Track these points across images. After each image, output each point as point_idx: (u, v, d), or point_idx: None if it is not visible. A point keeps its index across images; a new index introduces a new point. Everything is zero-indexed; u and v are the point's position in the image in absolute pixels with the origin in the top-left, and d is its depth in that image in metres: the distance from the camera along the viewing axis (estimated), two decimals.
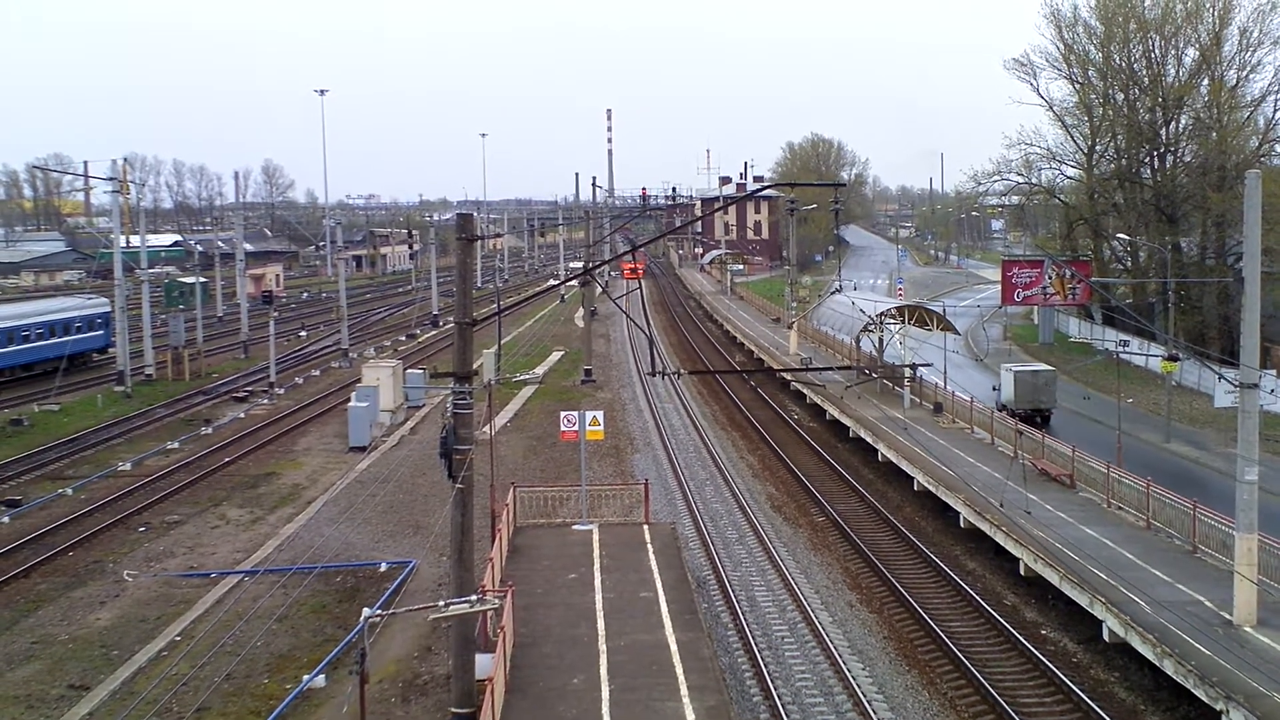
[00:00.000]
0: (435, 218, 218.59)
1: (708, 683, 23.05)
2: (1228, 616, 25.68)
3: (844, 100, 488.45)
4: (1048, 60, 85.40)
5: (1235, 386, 26.25)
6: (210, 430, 57.25)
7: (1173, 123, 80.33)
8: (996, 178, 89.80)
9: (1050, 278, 79.40)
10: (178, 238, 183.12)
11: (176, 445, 53.40)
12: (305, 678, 26.40)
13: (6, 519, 40.96)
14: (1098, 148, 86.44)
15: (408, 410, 61.18)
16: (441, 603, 19.13)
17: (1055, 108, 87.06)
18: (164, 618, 31.29)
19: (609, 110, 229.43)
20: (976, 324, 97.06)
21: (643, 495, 35.96)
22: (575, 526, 34.45)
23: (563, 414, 35.96)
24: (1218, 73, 76.94)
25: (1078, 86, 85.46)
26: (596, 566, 30.68)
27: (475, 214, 30.28)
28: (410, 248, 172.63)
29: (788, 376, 65.74)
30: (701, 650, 24.79)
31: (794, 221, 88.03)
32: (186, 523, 40.96)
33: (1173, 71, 79.77)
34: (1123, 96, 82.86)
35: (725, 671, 25.95)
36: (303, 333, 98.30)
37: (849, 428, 52.83)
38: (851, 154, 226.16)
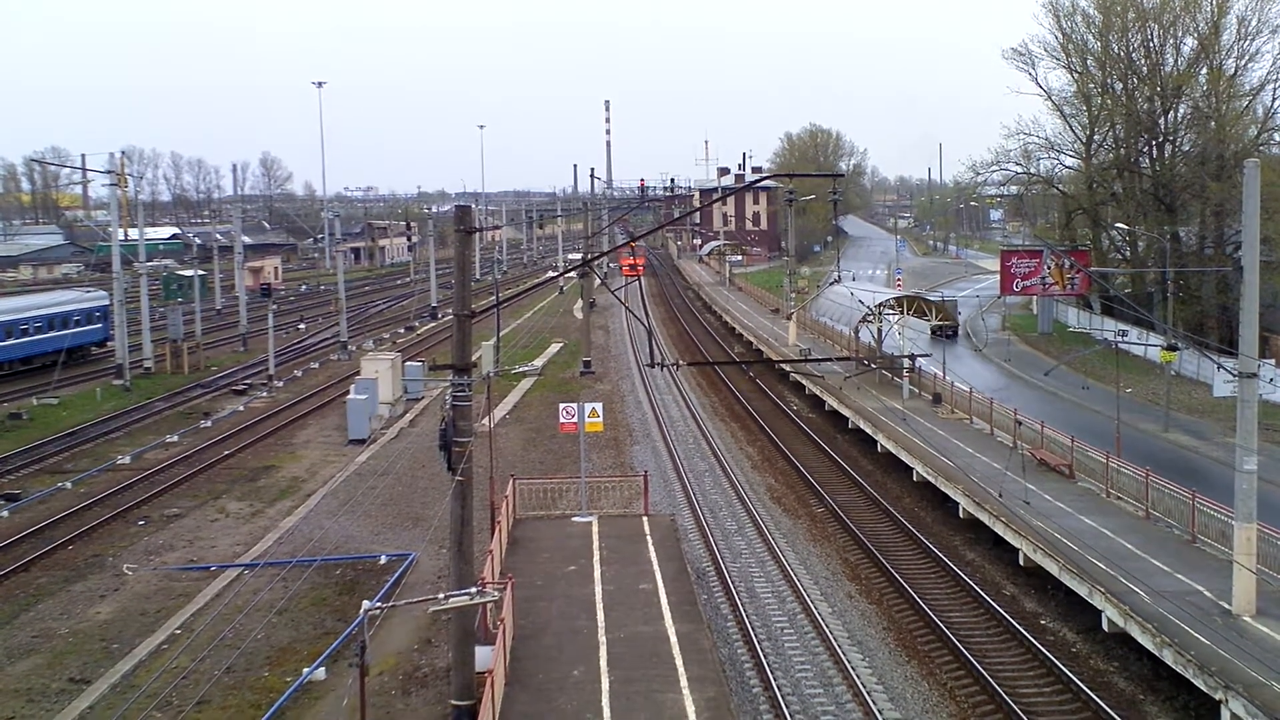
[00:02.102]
0: (434, 209, 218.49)
1: (707, 674, 23.08)
2: (1227, 606, 25.70)
3: (842, 91, 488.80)
4: (1046, 50, 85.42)
5: (1234, 376, 26.23)
6: (209, 423, 57.24)
7: (1171, 112, 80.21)
8: (995, 168, 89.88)
9: (1049, 267, 79.38)
10: (176, 231, 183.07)
11: (176, 438, 53.41)
12: (305, 670, 26.41)
13: (6, 513, 40.95)
14: (1096, 137, 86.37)
15: (407, 403, 61.17)
16: (441, 595, 19.14)
17: (1054, 97, 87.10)
18: (164, 611, 31.30)
19: (607, 102, 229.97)
20: (975, 314, 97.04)
21: (642, 487, 35.99)
22: (575, 518, 34.47)
23: (562, 406, 35.99)
24: (1216, 61, 76.81)
25: (1076, 76, 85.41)
26: (596, 558, 30.70)
27: (473, 206, 30.31)
28: (409, 240, 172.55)
29: (786, 368, 65.74)
30: (701, 641, 24.82)
31: (792, 212, 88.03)
32: (186, 516, 40.97)
33: (1171, 60, 79.66)
34: (1121, 86, 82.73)
35: (725, 663, 25.98)
36: (301, 325, 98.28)
37: (848, 418, 52.82)
38: (850, 144, 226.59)
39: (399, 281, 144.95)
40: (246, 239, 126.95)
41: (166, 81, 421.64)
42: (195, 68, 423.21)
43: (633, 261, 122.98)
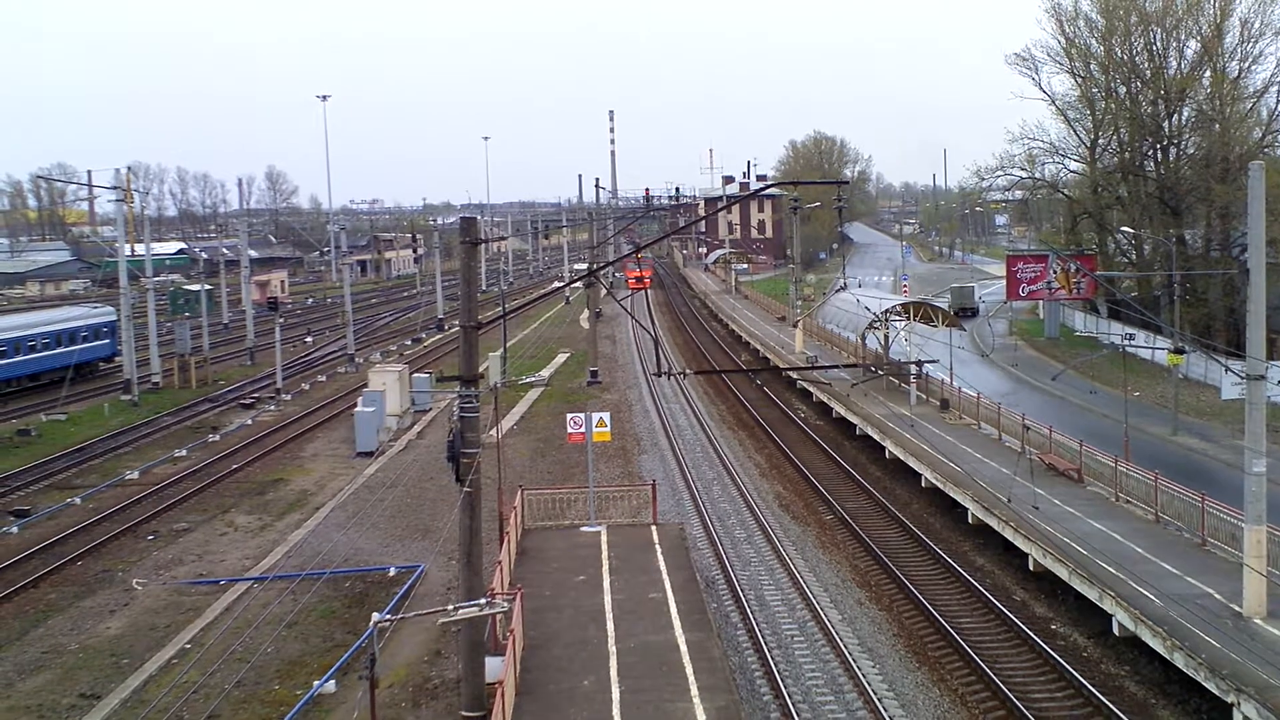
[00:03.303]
0: (439, 221, 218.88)
1: (718, 683, 23.04)
2: (1237, 609, 25.63)
3: (846, 98, 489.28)
4: (1049, 55, 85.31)
5: (1242, 378, 26.17)
6: (217, 437, 57.33)
7: (1175, 115, 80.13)
8: (1000, 173, 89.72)
9: (1055, 272, 79.29)
10: (182, 245, 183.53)
11: (184, 453, 53.49)
12: (315, 683, 26.43)
13: (15, 529, 41.04)
14: (1100, 141, 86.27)
15: (414, 414, 61.20)
16: (450, 606, 19.14)
17: (1057, 102, 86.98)
18: (174, 625, 31.34)
19: (611, 112, 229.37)
20: (982, 319, 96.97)
21: (650, 496, 35.93)
22: (583, 528, 34.44)
23: (569, 416, 35.96)
24: (1219, 64, 76.70)
25: (1080, 80, 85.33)
26: (605, 568, 30.68)
27: (479, 217, 30.39)
28: (414, 252, 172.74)
29: (794, 375, 65.71)
30: (711, 650, 24.78)
31: (798, 220, 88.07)
32: (195, 530, 41.03)
33: (1174, 64, 79.60)
34: (1125, 90, 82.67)
35: (735, 671, 25.94)
36: (308, 338, 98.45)
37: (856, 425, 52.78)
38: (854, 151, 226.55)
39: (405, 293, 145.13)
40: (253, 253, 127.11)
41: (171, 97, 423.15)
42: (200, 82, 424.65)
43: (639, 274, 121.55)
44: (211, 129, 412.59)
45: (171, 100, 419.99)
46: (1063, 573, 30.04)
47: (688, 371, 39.22)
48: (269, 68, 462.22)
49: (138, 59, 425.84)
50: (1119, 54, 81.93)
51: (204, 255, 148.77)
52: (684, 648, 24.86)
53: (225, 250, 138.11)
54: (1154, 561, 29.50)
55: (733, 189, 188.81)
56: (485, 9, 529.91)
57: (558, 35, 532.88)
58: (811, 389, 62.53)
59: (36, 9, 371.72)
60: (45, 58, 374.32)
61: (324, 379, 76.60)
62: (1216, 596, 26.70)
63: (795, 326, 77.01)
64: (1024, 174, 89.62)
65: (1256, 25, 74.90)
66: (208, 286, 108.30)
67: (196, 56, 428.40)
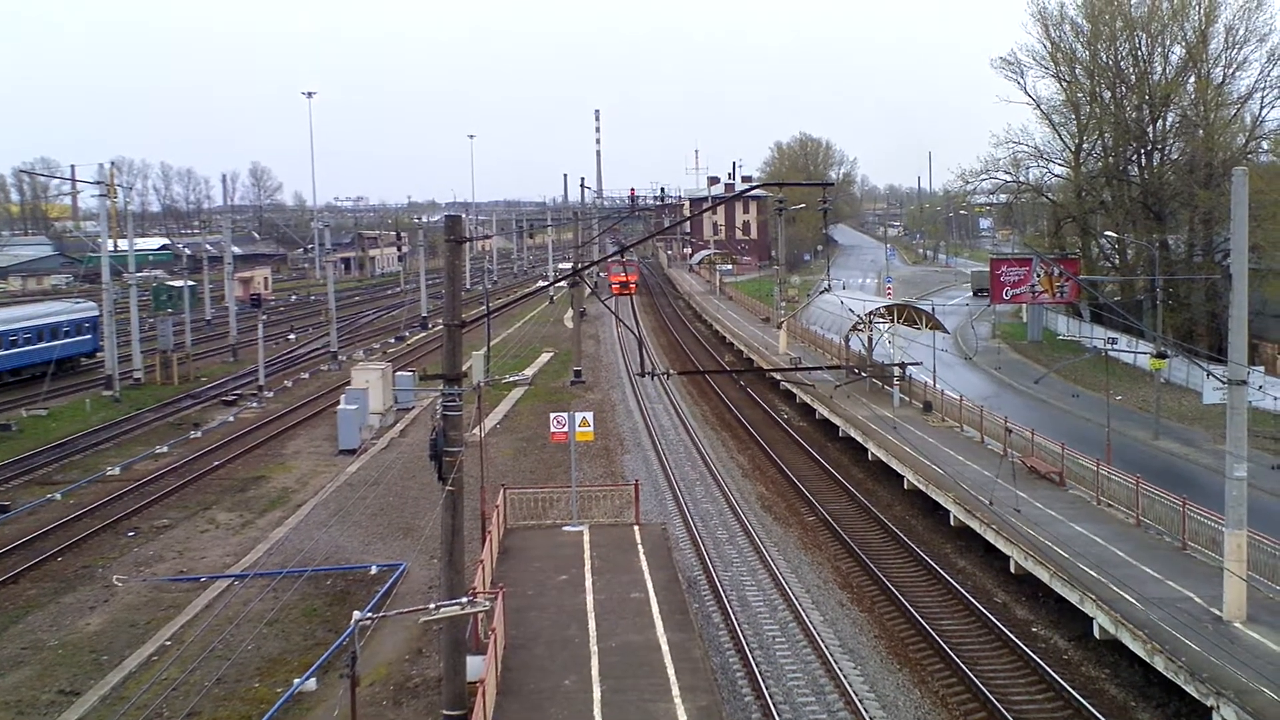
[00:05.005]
0: (424, 219, 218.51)
1: (699, 683, 23.04)
2: (1217, 613, 25.74)
3: (832, 100, 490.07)
4: (1035, 59, 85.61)
5: (1223, 383, 26.30)
6: (199, 434, 57.09)
7: (1160, 120, 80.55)
8: (984, 176, 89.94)
9: (1038, 276, 79.40)
10: (165, 241, 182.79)
11: (165, 449, 53.25)
12: (296, 681, 26.33)
13: None
14: (1085, 146, 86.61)
15: (397, 413, 61.07)
16: (432, 605, 19.09)
17: (1043, 106, 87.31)
18: (154, 622, 31.20)
19: (597, 111, 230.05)
20: (965, 322, 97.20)
21: (633, 496, 35.93)
22: (566, 528, 34.41)
23: (552, 415, 35.94)
24: (1204, 70, 77.13)
25: (1065, 85, 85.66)
26: (587, 568, 30.66)
27: (464, 216, 30.36)
28: (399, 250, 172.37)
29: (777, 376, 65.77)
30: (693, 650, 24.79)
31: (782, 221, 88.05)
32: (176, 527, 40.85)
33: (1159, 69, 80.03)
34: (1110, 94, 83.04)
35: (717, 671, 25.95)
36: (291, 335, 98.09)
37: (839, 427, 52.85)
38: (840, 153, 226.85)
39: (389, 291, 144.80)
40: (236, 249, 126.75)
41: (156, 92, 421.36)
42: (184, 77, 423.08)
43: (624, 278, 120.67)
44: (196, 125, 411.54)
45: (156, 95, 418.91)
46: (1044, 575, 30.12)
47: (671, 372, 39.31)
48: (255, 64, 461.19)
49: (123, 53, 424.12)
50: (1104, 59, 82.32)
51: (187, 251, 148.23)
52: (666, 648, 24.86)
53: (208, 246, 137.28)
54: (1135, 565, 29.61)
55: (718, 190, 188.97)
56: (475, 9, 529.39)
57: (545, 35, 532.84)
58: (795, 390, 62.60)
59: (32, 7, 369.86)
60: (29, 51, 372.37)
61: (307, 376, 76.35)
62: (1197, 600, 26.81)
63: (779, 328, 77.09)
64: (1008, 178, 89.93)
65: (1241, 31, 75.44)
66: (191, 283, 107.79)
67: (182, 51, 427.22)
